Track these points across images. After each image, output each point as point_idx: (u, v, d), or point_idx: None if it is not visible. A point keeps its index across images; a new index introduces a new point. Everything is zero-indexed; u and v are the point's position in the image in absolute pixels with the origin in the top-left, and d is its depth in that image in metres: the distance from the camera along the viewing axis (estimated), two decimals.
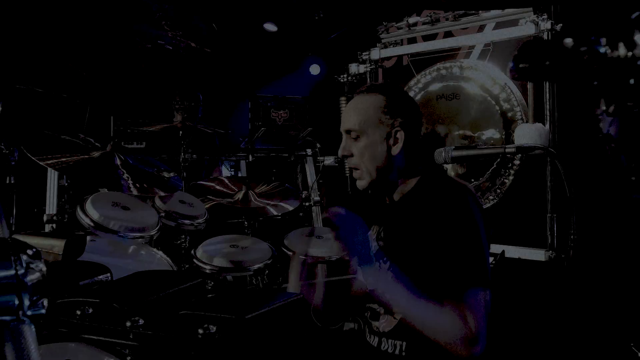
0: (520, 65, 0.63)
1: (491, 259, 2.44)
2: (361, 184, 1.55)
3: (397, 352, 1.47)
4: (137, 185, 2.20)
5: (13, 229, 2.39)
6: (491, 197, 2.78)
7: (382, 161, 1.50)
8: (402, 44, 3.16)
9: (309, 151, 3.56)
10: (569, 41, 0.58)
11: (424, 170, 1.55)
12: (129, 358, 1.23)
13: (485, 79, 2.79)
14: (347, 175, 3.26)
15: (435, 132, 1.70)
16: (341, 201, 3.63)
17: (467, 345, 1.29)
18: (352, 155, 1.53)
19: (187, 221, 2.50)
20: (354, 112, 1.53)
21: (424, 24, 3.02)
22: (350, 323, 2.85)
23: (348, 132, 1.53)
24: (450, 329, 1.31)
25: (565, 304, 1.67)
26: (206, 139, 3.73)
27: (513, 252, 2.56)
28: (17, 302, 0.59)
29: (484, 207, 2.78)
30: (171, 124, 3.18)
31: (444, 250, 1.37)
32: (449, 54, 2.98)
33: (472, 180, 2.81)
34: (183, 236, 2.74)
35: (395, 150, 1.50)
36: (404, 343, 1.46)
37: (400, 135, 1.49)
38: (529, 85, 2.62)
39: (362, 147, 1.51)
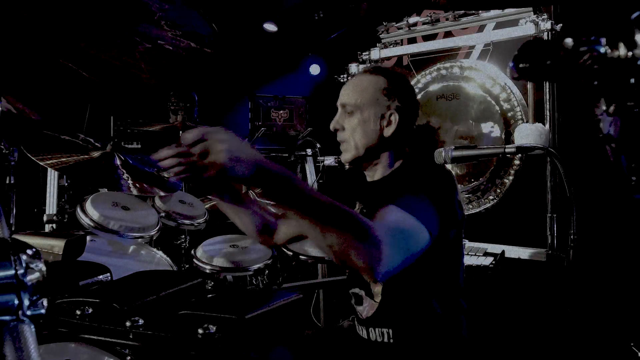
0: (520, 65, 0.63)
1: (491, 259, 2.45)
2: (345, 157, 1.55)
3: (385, 339, 1.48)
4: (137, 185, 2.20)
5: (13, 229, 2.39)
6: (491, 197, 2.78)
7: (373, 140, 1.50)
8: (402, 44, 3.16)
9: (309, 151, 3.56)
10: (569, 41, 0.58)
11: (409, 155, 1.56)
12: (129, 358, 1.23)
13: (485, 79, 2.79)
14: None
15: (429, 125, 1.70)
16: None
17: (372, 258, 1.06)
18: (343, 130, 1.53)
19: (187, 221, 2.50)
20: (353, 87, 1.54)
21: (424, 24, 3.02)
22: (352, 322, 2.85)
23: (343, 106, 1.54)
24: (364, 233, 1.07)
25: (565, 303, 1.67)
26: None
27: (513, 252, 2.56)
28: (16, 302, 0.59)
29: (484, 207, 2.78)
30: (172, 123, 3.18)
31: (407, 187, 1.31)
32: (449, 54, 2.98)
33: (472, 180, 2.82)
34: (183, 236, 2.75)
35: (388, 131, 1.50)
36: (390, 330, 1.47)
37: (394, 118, 1.50)
38: (529, 85, 2.62)
39: (355, 123, 1.51)
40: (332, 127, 1.57)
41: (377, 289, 1.48)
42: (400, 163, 1.55)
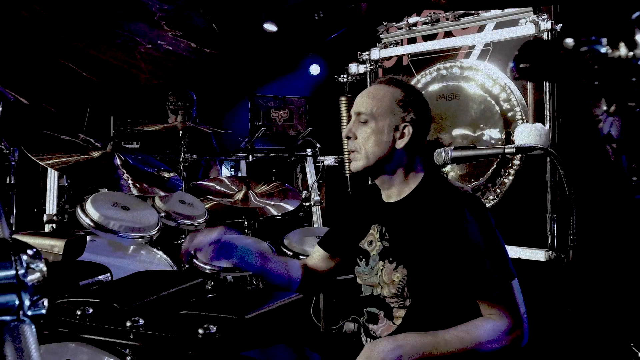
0: (521, 65, 0.63)
1: None
2: (355, 165, 1.54)
3: None
4: (137, 185, 2.21)
5: (13, 229, 2.39)
6: (491, 197, 2.78)
7: (384, 151, 1.50)
8: (402, 44, 3.16)
9: (309, 151, 3.56)
10: (569, 41, 0.58)
11: (424, 172, 1.55)
12: (129, 358, 1.23)
13: (485, 79, 2.79)
14: (347, 175, 3.26)
15: (439, 141, 1.70)
16: (341, 200, 3.63)
17: (514, 338, 1.46)
18: (355, 138, 1.53)
19: (187, 221, 2.50)
20: (369, 97, 1.54)
21: (424, 24, 3.02)
22: (350, 324, 2.85)
23: (358, 114, 1.54)
24: (497, 333, 1.42)
25: (565, 303, 1.68)
26: (203, 139, 3.74)
27: (513, 252, 2.55)
28: (17, 302, 0.59)
29: None
30: (172, 123, 3.18)
31: (471, 255, 1.39)
32: (449, 54, 2.98)
33: (472, 180, 2.82)
34: (183, 236, 2.75)
35: (400, 143, 1.50)
36: None
37: (408, 130, 1.50)
38: (529, 85, 2.61)
39: (369, 132, 1.50)
40: (344, 134, 1.57)
41: (400, 312, 1.48)
42: (417, 182, 1.54)
